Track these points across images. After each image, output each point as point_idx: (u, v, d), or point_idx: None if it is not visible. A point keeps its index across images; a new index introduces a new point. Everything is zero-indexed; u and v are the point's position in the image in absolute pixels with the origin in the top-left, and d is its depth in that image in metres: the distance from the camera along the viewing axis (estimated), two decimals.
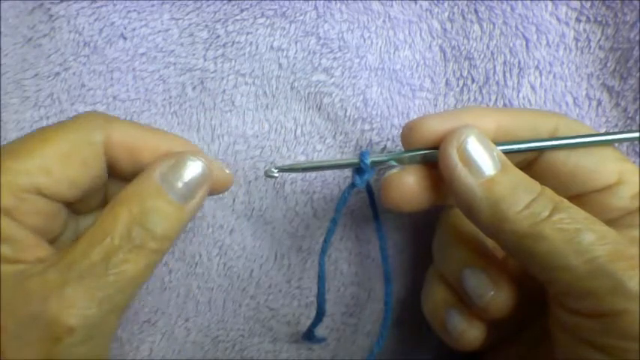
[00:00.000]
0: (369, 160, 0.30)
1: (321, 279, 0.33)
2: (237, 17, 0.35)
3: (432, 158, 0.29)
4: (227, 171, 0.31)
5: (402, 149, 0.31)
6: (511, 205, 0.26)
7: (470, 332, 0.30)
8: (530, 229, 0.25)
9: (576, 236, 0.25)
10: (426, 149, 0.29)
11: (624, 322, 0.24)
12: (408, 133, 0.30)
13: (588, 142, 0.29)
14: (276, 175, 0.31)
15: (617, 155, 0.29)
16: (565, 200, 0.26)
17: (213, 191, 0.31)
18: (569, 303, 0.26)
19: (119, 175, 0.29)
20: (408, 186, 0.29)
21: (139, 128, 0.29)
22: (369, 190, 0.33)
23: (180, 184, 0.28)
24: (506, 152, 0.28)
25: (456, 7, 0.36)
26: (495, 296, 0.29)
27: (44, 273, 0.25)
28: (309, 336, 0.36)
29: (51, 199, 0.27)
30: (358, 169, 0.30)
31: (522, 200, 0.26)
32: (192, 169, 0.28)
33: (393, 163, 0.30)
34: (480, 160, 0.27)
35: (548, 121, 0.29)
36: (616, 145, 0.36)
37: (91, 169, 0.28)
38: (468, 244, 0.31)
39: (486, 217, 0.26)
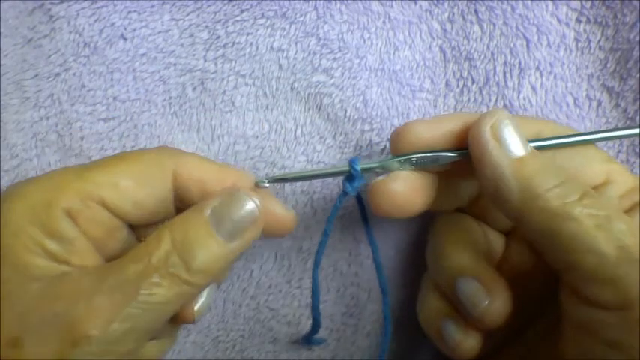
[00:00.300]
0: (359, 167, 0.30)
1: (314, 292, 0.33)
2: (238, 18, 0.35)
3: (422, 163, 0.29)
4: (290, 211, 0.31)
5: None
6: (540, 184, 0.26)
7: (466, 342, 0.30)
8: (559, 208, 0.25)
9: (607, 222, 0.25)
10: (416, 154, 0.29)
11: None
12: (396, 139, 0.30)
13: (590, 139, 0.29)
14: (267, 185, 0.30)
15: (603, 156, 0.29)
16: (592, 190, 0.26)
17: (272, 233, 0.31)
18: (589, 291, 0.25)
19: (188, 206, 0.29)
20: (395, 192, 0.29)
21: (209, 162, 0.30)
22: (359, 198, 0.33)
23: (228, 222, 0.27)
24: None
25: (456, 7, 0.36)
26: (490, 305, 0.28)
27: (80, 278, 0.26)
28: (307, 341, 0.36)
29: (113, 214, 0.28)
30: (349, 176, 0.30)
31: (552, 181, 0.26)
32: (243, 209, 0.28)
33: (384, 169, 0.30)
34: (511, 140, 0.27)
35: (532, 126, 0.29)
36: (616, 145, 0.36)
37: (157, 192, 0.28)
38: (461, 252, 0.31)
39: (515, 194, 0.26)
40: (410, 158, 0.29)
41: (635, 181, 0.29)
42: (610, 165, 0.29)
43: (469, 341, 0.30)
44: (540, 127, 0.29)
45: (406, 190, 0.29)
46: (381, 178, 0.30)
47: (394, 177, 0.29)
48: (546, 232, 0.26)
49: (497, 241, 0.32)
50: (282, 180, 0.31)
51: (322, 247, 0.32)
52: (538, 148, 0.28)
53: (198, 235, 0.27)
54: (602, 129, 0.36)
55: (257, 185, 0.30)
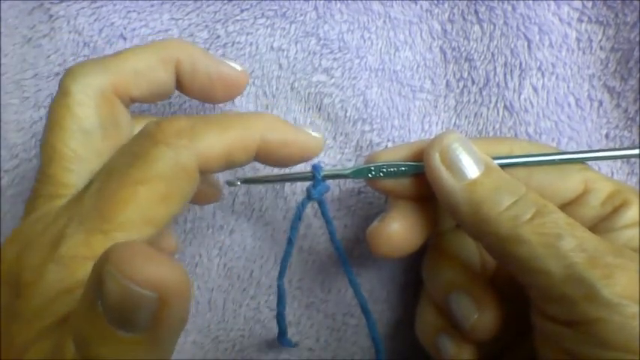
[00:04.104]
0: (321, 174, 0.29)
1: (280, 301, 0.31)
2: (238, 17, 0.33)
3: (391, 173, 0.28)
4: (315, 134, 0.28)
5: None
6: (493, 207, 0.25)
7: (461, 356, 0.29)
8: (510, 231, 0.24)
9: (556, 241, 0.24)
10: (376, 163, 0.28)
11: (599, 330, 0.23)
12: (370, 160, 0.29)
13: (587, 157, 0.28)
14: (238, 184, 0.30)
15: (579, 165, 0.28)
16: (549, 204, 0.25)
17: (303, 158, 0.28)
18: (547, 309, 0.25)
19: None
20: (392, 234, 0.28)
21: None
22: (321, 203, 0.31)
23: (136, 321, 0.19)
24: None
25: (456, 7, 0.34)
26: (480, 318, 0.28)
27: None
28: (278, 342, 0.34)
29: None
30: (313, 182, 0.29)
31: (504, 202, 0.25)
32: (143, 308, 0.18)
33: (354, 176, 0.29)
34: (463, 163, 0.26)
35: (502, 146, 0.28)
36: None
37: None
38: (453, 268, 0.30)
39: (468, 219, 0.25)
40: (380, 166, 0.28)
41: (613, 185, 0.28)
42: (586, 173, 0.28)
43: (464, 355, 0.29)
44: (510, 145, 0.28)
45: (403, 230, 0.29)
46: (376, 222, 0.29)
47: (389, 218, 0.29)
48: (500, 254, 0.25)
49: (490, 255, 0.31)
50: (253, 181, 0.30)
51: (287, 257, 0.30)
52: (508, 166, 0.27)
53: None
54: (603, 132, 0.35)
55: (228, 184, 0.30)
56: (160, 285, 0.18)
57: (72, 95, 0.25)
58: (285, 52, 0.34)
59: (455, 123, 0.35)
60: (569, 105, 0.34)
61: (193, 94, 0.29)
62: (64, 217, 0.23)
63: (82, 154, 0.25)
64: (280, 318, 0.32)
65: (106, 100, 0.26)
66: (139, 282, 0.18)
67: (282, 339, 0.33)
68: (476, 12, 0.34)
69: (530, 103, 0.34)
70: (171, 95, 0.29)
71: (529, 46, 0.33)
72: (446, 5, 0.34)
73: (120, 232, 0.22)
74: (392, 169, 0.28)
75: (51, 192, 0.25)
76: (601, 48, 0.34)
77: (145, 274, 0.18)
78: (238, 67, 0.29)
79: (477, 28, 0.34)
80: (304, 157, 0.28)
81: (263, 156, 0.26)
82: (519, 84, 0.34)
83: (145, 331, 0.19)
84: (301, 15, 0.33)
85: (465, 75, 0.34)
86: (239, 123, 0.25)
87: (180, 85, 0.28)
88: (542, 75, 0.33)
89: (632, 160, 0.34)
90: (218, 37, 0.33)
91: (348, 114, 0.34)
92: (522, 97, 0.34)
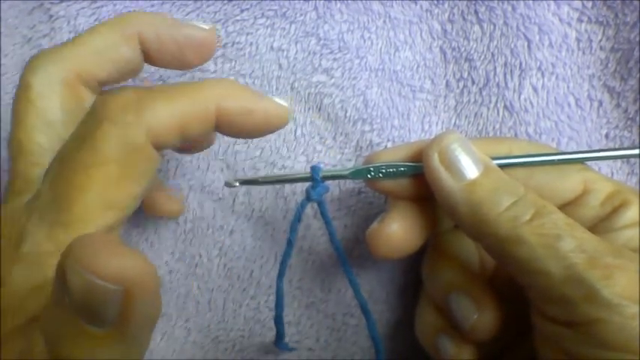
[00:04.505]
0: (320, 175, 0.29)
1: (278, 303, 0.31)
2: (238, 18, 0.33)
3: (390, 174, 0.28)
4: (280, 101, 0.26)
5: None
6: (492, 208, 0.25)
7: (461, 356, 0.29)
8: (510, 232, 0.24)
9: (556, 242, 0.24)
10: (375, 164, 0.28)
11: (599, 331, 0.23)
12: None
13: (587, 157, 0.28)
14: (237, 185, 0.29)
15: (579, 165, 0.28)
16: (548, 204, 0.25)
17: (269, 127, 0.26)
18: (547, 310, 0.25)
19: None
20: (391, 235, 0.28)
21: None
22: (320, 204, 0.31)
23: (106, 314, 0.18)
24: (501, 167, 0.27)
25: (456, 7, 0.34)
26: (480, 318, 0.28)
27: None
28: (276, 346, 0.34)
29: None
30: (313, 183, 0.29)
31: (503, 203, 0.25)
32: (110, 300, 0.18)
33: (353, 177, 0.29)
34: (462, 163, 0.26)
35: (501, 146, 0.28)
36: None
37: None
38: (453, 268, 0.30)
39: (467, 220, 0.25)
40: (380, 166, 0.28)
41: (613, 185, 0.28)
42: (586, 173, 0.28)
43: (464, 355, 0.29)
44: (510, 145, 0.28)
45: (402, 231, 0.28)
46: (375, 224, 0.29)
47: (389, 219, 0.29)
48: (500, 255, 0.25)
49: (489, 256, 0.31)
50: (252, 182, 0.30)
51: (287, 258, 0.30)
52: (507, 166, 0.27)
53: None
54: (602, 132, 0.34)
55: (227, 184, 0.29)
56: (124, 278, 0.17)
57: (33, 88, 0.25)
58: (285, 52, 0.34)
59: (455, 123, 0.35)
60: (569, 105, 0.34)
61: (164, 64, 0.27)
62: (26, 214, 0.22)
63: (49, 147, 0.24)
64: (278, 321, 0.32)
65: (69, 89, 0.25)
66: (102, 275, 0.17)
67: (279, 343, 0.33)
68: (476, 12, 0.34)
69: (530, 103, 0.34)
70: (141, 70, 0.28)
71: (529, 46, 0.33)
72: (446, 5, 0.34)
73: (81, 222, 0.21)
74: (391, 170, 0.28)
75: (20, 188, 0.24)
76: (601, 48, 0.34)
77: (108, 268, 0.17)
78: (205, 27, 0.27)
79: (476, 28, 0.34)
80: (269, 127, 0.26)
81: (224, 126, 0.24)
82: (519, 84, 0.34)
83: (114, 326, 0.18)
84: (301, 15, 0.33)
85: (465, 75, 0.34)
86: (190, 91, 0.23)
87: (148, 57, 0.27)
88: (542, 75, 0.33)
89: (632, 160, 0.34)
90: (218, 37, 0.33)
91: (348, 114, 0.34)
92: (522, 97, 0.34)
